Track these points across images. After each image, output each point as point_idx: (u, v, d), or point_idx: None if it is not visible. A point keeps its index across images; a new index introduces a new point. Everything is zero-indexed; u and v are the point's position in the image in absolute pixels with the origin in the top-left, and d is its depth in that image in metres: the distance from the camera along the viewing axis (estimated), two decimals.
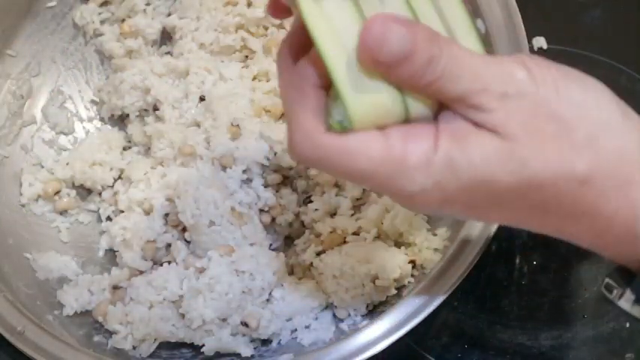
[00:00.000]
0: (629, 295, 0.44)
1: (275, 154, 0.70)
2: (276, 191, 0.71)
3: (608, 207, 0.41)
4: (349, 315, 0.66)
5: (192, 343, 0.66)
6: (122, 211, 0.72)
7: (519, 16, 0.66)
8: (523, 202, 0.42)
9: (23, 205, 0.74)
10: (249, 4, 0.77)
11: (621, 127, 0.41)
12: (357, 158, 0.42)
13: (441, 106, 0.43)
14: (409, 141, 0.42)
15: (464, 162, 0.41)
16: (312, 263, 0.68)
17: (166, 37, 0.80)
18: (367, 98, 0.42)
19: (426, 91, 0.41)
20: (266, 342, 0.67)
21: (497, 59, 0.42)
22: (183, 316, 0.66)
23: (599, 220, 0.42)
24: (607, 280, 0.45)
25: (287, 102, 0.44)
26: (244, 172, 0.70)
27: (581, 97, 0.41)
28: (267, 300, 0.67)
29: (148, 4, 0.79)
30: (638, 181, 0.41)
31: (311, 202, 0.71)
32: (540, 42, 0.80)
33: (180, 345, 0.67)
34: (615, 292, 0.45)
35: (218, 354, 0.66)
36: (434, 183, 0.42)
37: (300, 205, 0.72)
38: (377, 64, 0.41)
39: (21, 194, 0.74)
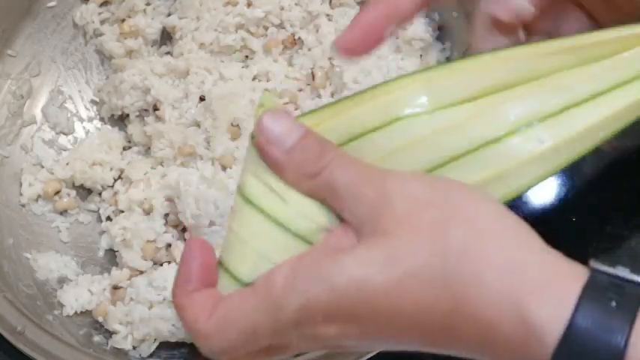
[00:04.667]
0: None
1: None
2: None
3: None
4: None
5: (192, 343, 0.66)
6: (122, 211, 0.72)
7: None
8: (404, 299, 0.39)
9: (23, 205, 0.74)
10: (249, 4, 0.77)
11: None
12: (236, 320, 0.41)
13: None
14: (270, 274, 0.41)
15: (334, 269, 0.40)
16: None
17: (166, 37, 0.80)
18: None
19: (315, 190, 0.41)
20: None
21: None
22: None
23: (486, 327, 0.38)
24: None
25: None
26: None
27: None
28: None
29: (148, 4, 0.79)
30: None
31: None
32: None
33: (181, 345, 0.67)
34: None
35: None
36: (307, 298, 0.40)
37: None
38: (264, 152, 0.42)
39: (21, 194, 0.74)
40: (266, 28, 0.77)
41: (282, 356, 0.43)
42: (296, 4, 0.77)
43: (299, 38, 0.76)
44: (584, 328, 0.36)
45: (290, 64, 0.76)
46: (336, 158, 0.41)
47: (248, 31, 0.77)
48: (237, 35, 0.76)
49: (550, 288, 0.37)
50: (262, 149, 0.42)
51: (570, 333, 0.36)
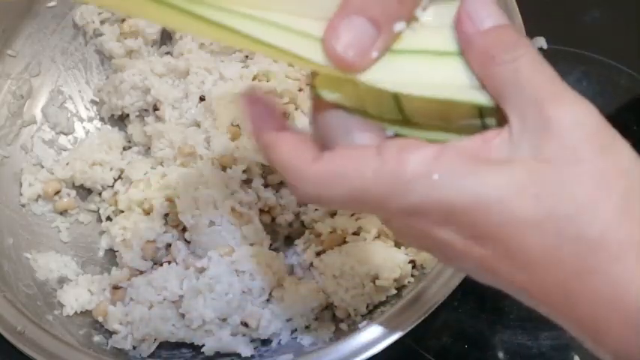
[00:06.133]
0: None
1: None
2: (276, 191, 0.71)
3: (622, 276, 0.36)
4: (349, 315, 0.66)
5: (192, 343, 0.66)
6: (122, 211, 0.72)
7: (519, 16, 0.66)
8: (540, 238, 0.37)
9: (23, 205, 0.74)
10: None
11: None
12: (351, 181, 0.39)
13: None
14: (404, 151, 0.38)
15: (476, 182, 0.37)
16: (312, 263, 0.68)
17: (166, 37, 0.80)
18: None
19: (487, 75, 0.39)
20: (266, 342, 0.67)
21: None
22: (183, 316, 0.66)
23: (606, 286, 0.36)
24: None
25: (272, 154, 0.42)
26: (244, 172, 0.70)
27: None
28: (267, 300, 0.67)
29: None
30: None
31: None
32: (540, 42, 0.80)
33: (181, 345, 0.67)
34: None
35: (218, 354, 0.66)
36: (436, 198, 0.37)
37: (300, 205, 0.72)
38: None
39: (21, 194, 0.74)
40: None
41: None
42: None
43: None
44: None
45: (290, 64, 0.76)
46: (528, 55, 0.39)
47: None
48: None
49: None
50: (459, 20, 0.40)
51: None
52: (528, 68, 0.38)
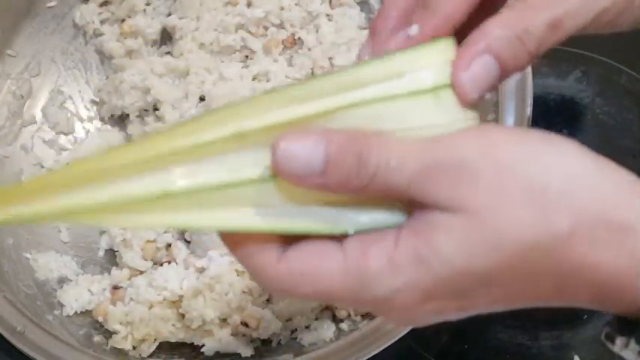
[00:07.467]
0: (633, 345, 0.39)
1: None
2: None
3: (604, 257, 0.37)
4: (349, 315, 0.66)
5: (192, 343, 0.66)
6: None
7: None
8: (512, 275, 0.38)
9: None
10: (249, 4, 0.77)
11: (594, 176, 0.37)
12: (317, 280, 0.38)
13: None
14: (368, 247, 0.38)
15: (432, 255, 0.37)
16: None
17: (166, 37, 0.80)
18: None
19: (371, 194, 0.38)
20: (266, 342, 0.67)
21: (443, 137, 0.38)
22: (183, 316, 0.66)
23: (596, 273, 0.38)
24: (606, 329, 0.41)
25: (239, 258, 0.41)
26: None
27: (544, 155, 0.37)
28: (267, 300, 0.67)
29: (148, 4, 0.79)
30: (630, 227, 0.37)
31: None
32: None
33: (181, 345, 0.67)
34: (619, 341, 0.40)
35: (218, 354, 0.66)
36: (404, 282, 0.37)
37: None
38: (300, 184, 0.37)
39: None
40: (266, 28, 0.77)
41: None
42: (296, 4, 0.77)
43: (299, 38, 0.76)
44: None
45: (290, 64, 0.76)
46: (383, 163, 0.37)
47: (248, 31, 0.77)
48: (237, 35, 0.76)
49: None
50: (296, 183, 0.37)
51: None
52: (395, 171, 0.37)
